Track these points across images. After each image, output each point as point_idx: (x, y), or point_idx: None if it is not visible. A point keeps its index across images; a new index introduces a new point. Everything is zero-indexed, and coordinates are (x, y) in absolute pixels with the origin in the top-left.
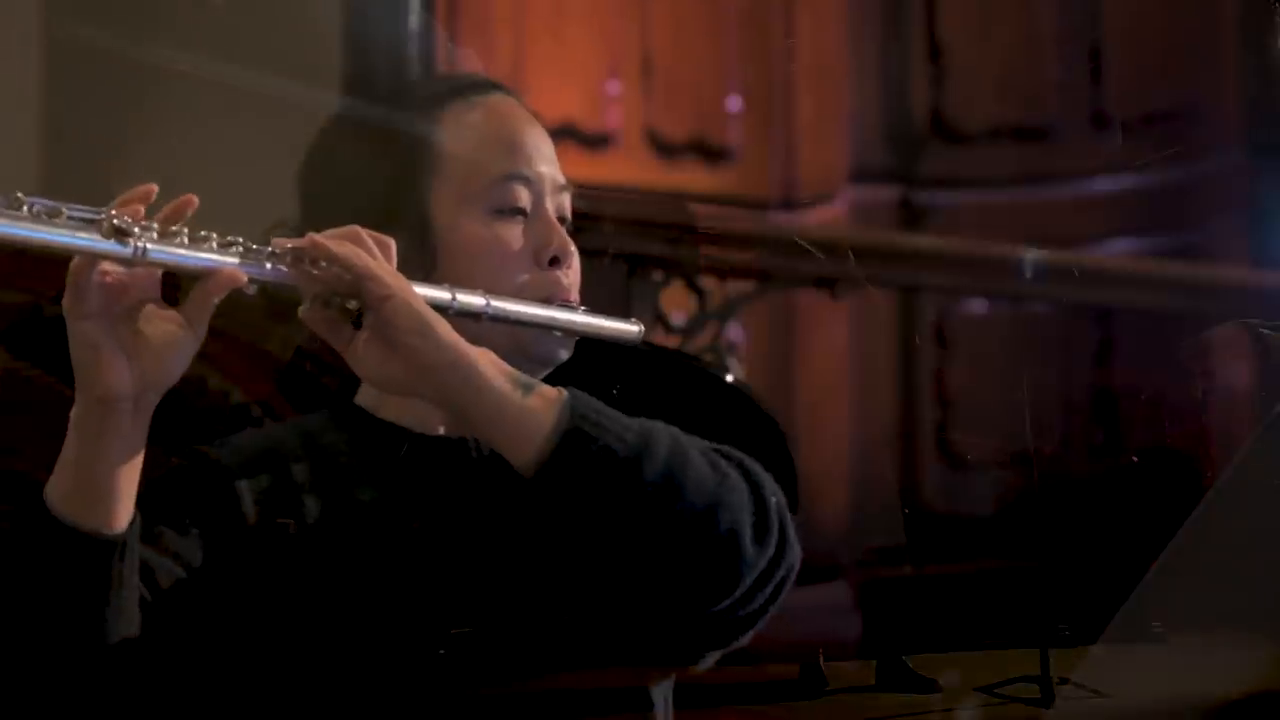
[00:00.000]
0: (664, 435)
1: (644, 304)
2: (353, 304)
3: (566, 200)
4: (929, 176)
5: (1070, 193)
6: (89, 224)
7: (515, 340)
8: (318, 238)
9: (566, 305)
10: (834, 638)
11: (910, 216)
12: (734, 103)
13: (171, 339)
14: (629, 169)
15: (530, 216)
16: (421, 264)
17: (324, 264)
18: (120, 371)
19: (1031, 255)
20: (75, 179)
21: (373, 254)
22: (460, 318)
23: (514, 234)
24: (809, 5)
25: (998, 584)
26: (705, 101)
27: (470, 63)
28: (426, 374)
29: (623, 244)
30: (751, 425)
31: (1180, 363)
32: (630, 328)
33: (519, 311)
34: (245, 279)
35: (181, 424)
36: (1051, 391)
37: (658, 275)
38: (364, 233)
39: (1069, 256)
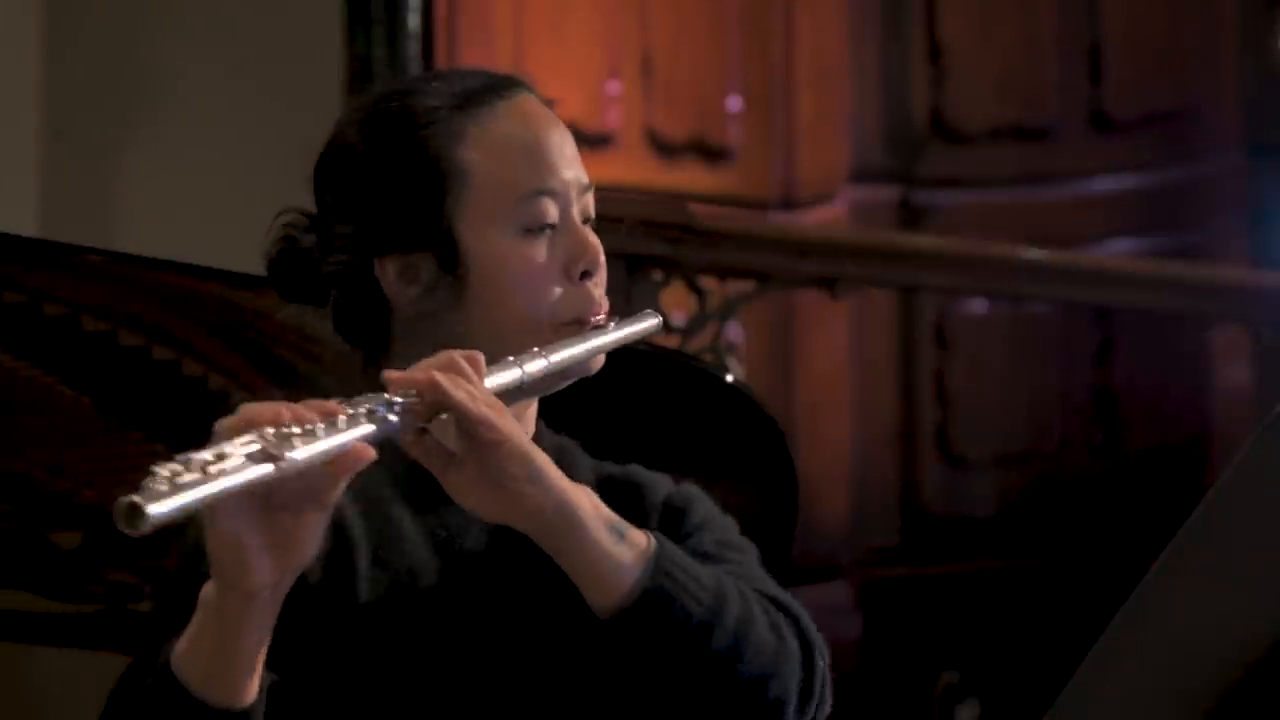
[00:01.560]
0: (735, 597)
1: (644, 304)
2: (443, 415)
3: (590, 199)
4: (929, 176)
5: (1070, 193)
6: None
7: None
8: (436, 383)
9: (599, 326)
10: (834, 638)
11: (910, 216)
12: (734, 103)
13: (305, 521)
14: (629, 169)
15: (559, 229)
16: (451, 284)
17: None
18: (262, 565)
19: (1032, 255)
20: (75, 179)
21: (471, 381)
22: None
23: (544, 251)
24: (809, 5)
25: (997, 584)
26: (705, 101)
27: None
28: (532, 517)
29: (622, 244)
30: (751, 425)
31: (1180, 362)
32: (653, 322)
33: (571, 355)
34: (373, 454)
35: (180, 424)
36: (1051, 391)
37: (658, 275)
38: (459, 358)
39: (1068, 256)
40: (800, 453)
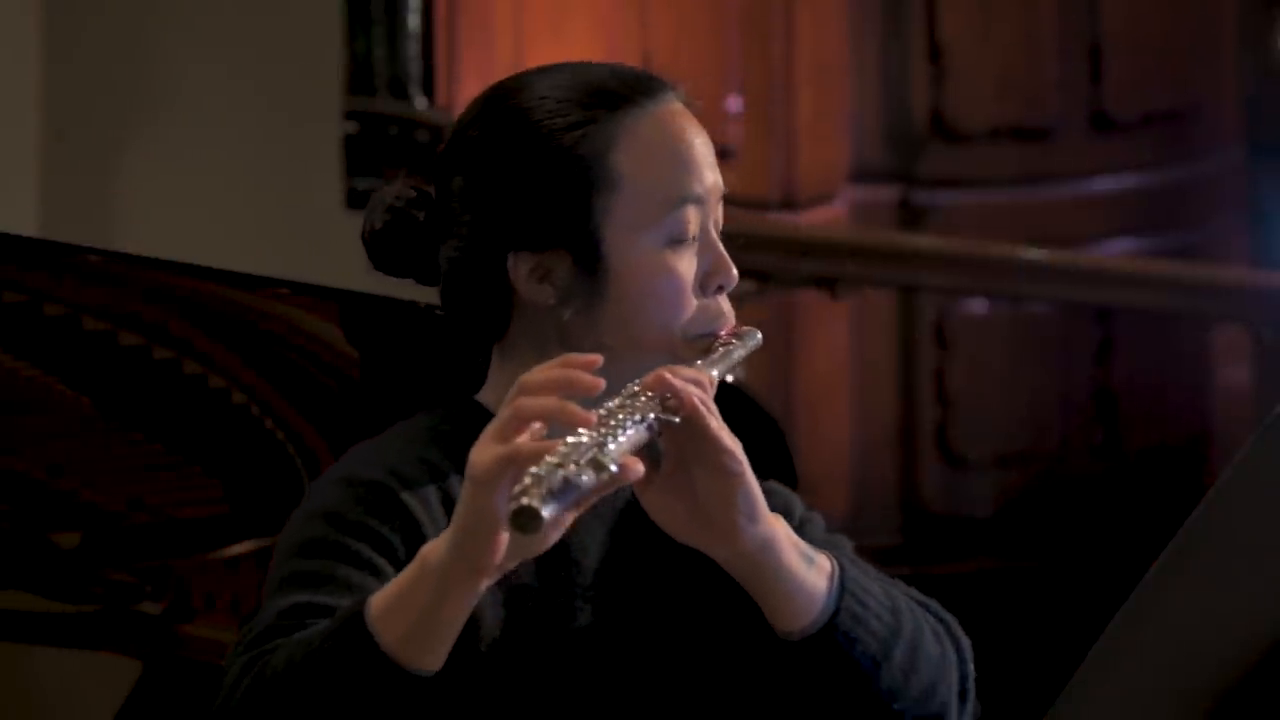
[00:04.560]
0: (906, 611)
1: None
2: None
3: (721, 207)
4: (929, 176)
5: (1070, 193)
6: (583, 468)
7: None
8: (697, 409)
9: (727, 344)
10: None
11: (910, 216)
12: (734, 102)
13: (559, 519)
14: None
15: (699, 240)
16: (587, 288)
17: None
18: (503, 547)
19: (1032, 255)
20: (75, 179)
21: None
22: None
23: (685, 263)
24: (809, 5)
25: (997, 584)
26: (705, 101)
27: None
28: (737, 549)
29: None
30: (751, 425)
31: (1180, 362)
32: (760, 337)
33: (726, 370)
34: (643, 471)
35: (180, 424)
36: (1051, 391)
37: None
38: (706, 379)
39: (1068, 256)
40: (800, 453)
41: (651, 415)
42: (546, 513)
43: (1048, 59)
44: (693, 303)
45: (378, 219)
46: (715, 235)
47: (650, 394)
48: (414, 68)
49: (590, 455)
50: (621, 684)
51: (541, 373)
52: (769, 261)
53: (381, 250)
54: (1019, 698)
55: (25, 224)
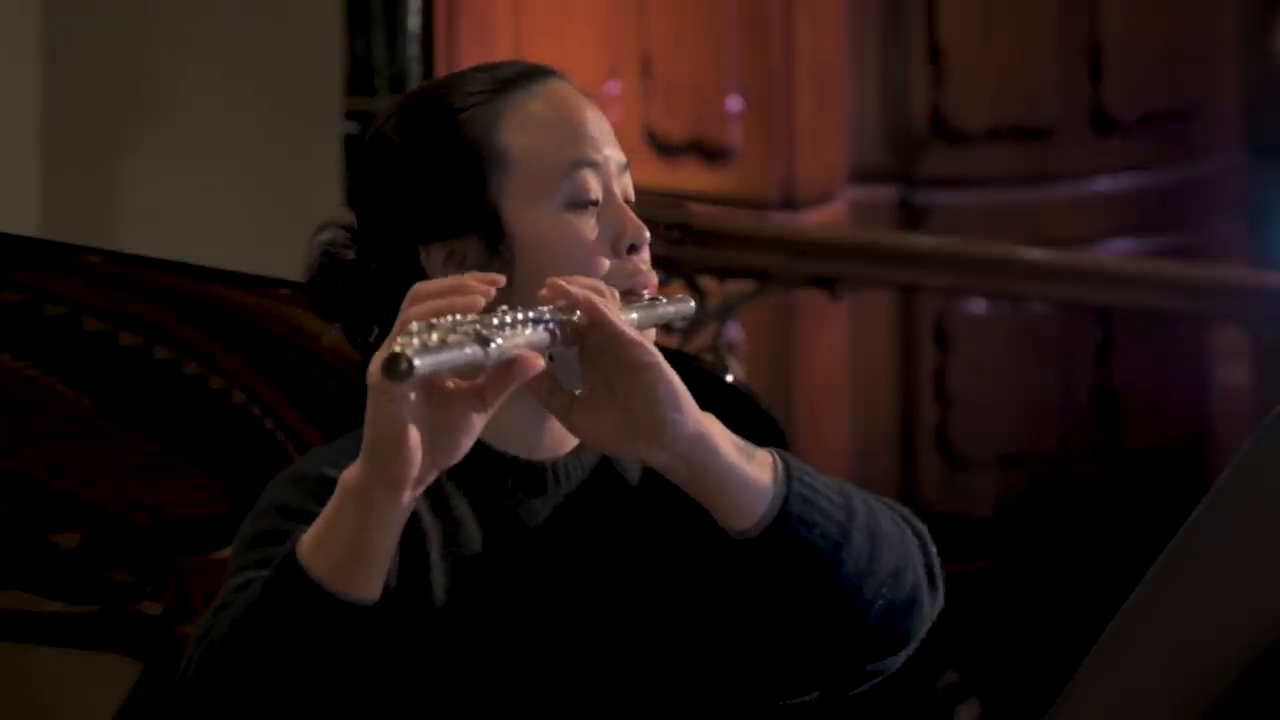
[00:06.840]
0: (857, 496)
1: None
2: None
3: (629, 180)
4: (929, 176)
5: (1070, 193)
6: (465, 339)
7: None
8: (594, 303)
9: (654, 299)
10: None
11: (910, 216)
12: (734, 103)
13: (466, 421)
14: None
15: (602, 205)
16: (499, 266)
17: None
18: (419, 454)
19: (1032, 255)
20: (75, 179)
21: (616, 310)
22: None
23: (590, 226)
24: (809, 5)
25: (997, 584)
26: (705, 102)
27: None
28: (670, 446)
29: None
30: (752, 425)
31: (1180, 362)
32: (691, 305)
33: (651, 322)
34: (543, 365)
35: (180, 424)
36: (1051, 391)
37: (657, 275)
38: (603, 285)
39: (1068, 256)
40: (800, 453)
41: (546, 311)
42: (419, 363)
43: (1048, 59)
44: (603, 262)
45: (312, 266)
46: (621, 200)
47: (548, 305)
48: (414, 68)
49: (473, 329)
50: (573, 651)
51: (432, 282)
52: (769, 261)
53: (319, 298)
54: (1019, 697)
55: (25, 224)
